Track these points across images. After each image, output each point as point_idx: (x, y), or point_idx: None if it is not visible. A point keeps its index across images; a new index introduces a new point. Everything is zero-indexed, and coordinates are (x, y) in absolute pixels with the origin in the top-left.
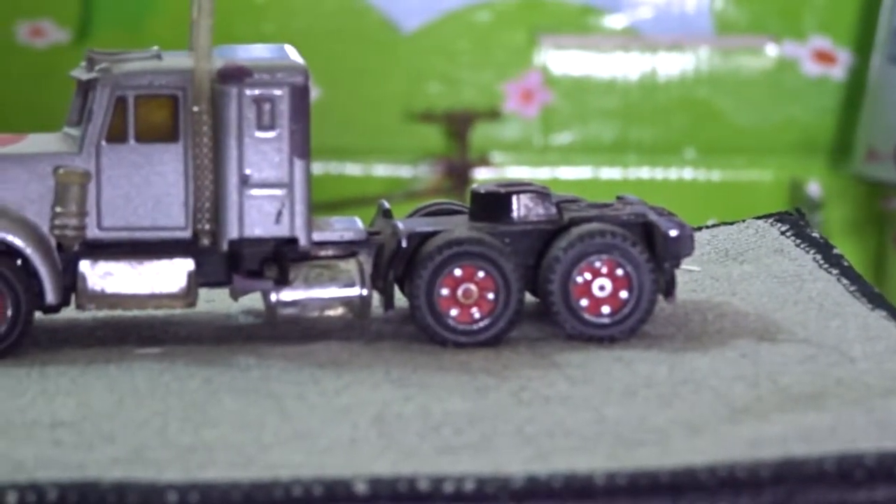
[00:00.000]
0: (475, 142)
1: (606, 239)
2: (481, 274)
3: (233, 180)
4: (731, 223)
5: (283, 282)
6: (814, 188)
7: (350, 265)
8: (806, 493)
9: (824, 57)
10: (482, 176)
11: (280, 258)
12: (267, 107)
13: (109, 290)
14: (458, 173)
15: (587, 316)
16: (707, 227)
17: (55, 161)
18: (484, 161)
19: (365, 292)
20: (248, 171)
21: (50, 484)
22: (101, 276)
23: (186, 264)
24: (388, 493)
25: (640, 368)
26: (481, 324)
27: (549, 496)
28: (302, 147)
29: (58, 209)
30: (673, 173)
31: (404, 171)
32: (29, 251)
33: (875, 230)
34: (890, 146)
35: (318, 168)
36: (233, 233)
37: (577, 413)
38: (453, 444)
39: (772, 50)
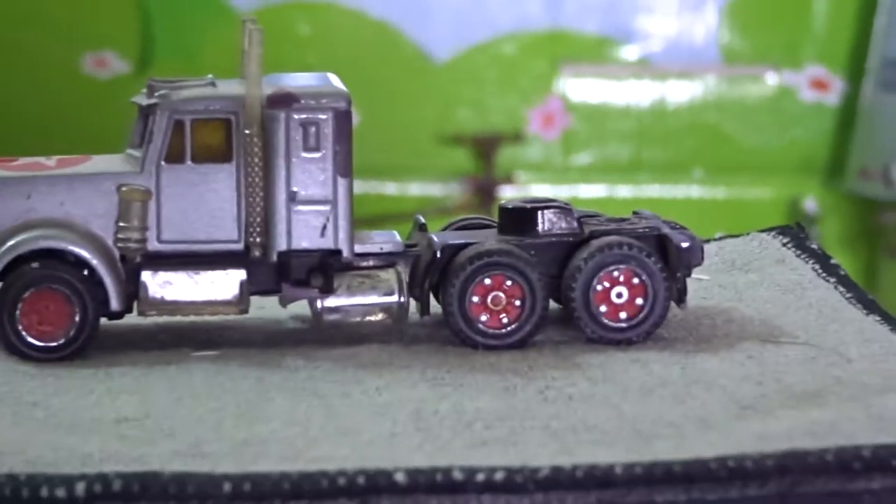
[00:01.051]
0: (501, 162)
1: (624, 250)
2: (509, 283)
3: (281, 197)
4: (737, 236)
5: (327, 290)
6: (810, 204)
7: (389, 275)
8: (808, 484)
9: (820, 84)
10: (508, 194)
11: (325, 268)
12: (312, 129)
13: (169, 297)
14: (485, 191)
15: (606, 321)
16: (715, 239)
17: (119, 180)
18: (509, 180)
19: (403, 300)
20: (295, 189)
21: (115, 475)
22: (160, 284)
23: (239, 274)
24: (426, 483)
25: (655, 369)
26: (509, 328)
27: (573, 486)
28: (344, 166)
29: (121, 224)
30: (682, 191)
31: (437, 189)
32: (95, 262)
33: (867, 243)
34: (880, 166)
35: (358, 186)
36: (281, 245)
37: (597, 410)
38: (484, 438)
39: (772, 78)
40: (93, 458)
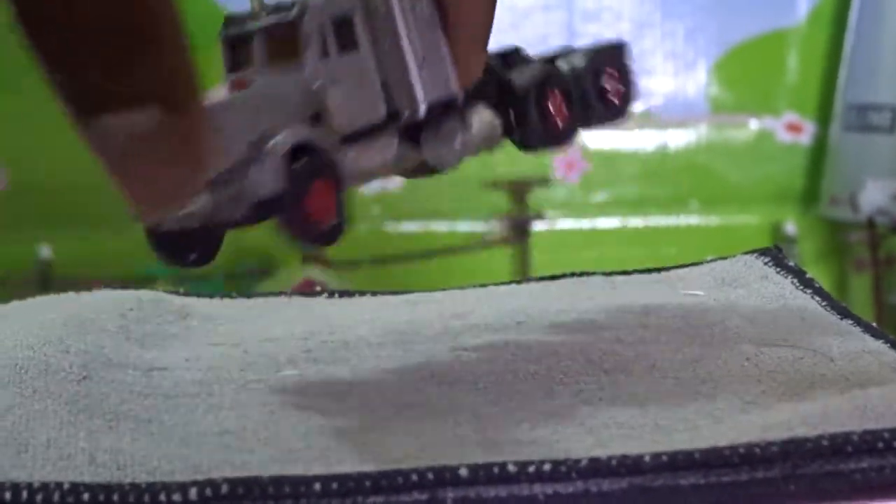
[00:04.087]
0: (532, 202)
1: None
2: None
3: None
4: (726, 258)
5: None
6: (790, 227)
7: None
8: (807, 466)
9: (794, 128)
10: (539, 228)
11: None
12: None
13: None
14: (520, 226)
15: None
16: (707, 261)
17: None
18: (539, 216)
19: (500, 120)
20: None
21: (222, 480)
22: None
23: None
24: (485, 476)
25: (671, 372)
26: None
27: (608, 473)
28: None
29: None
30: (682, 220)
31: (480, 226)
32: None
33: (838, 257)
34: (846, 193)
35: (416, 225)
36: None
37: (625, 409)
38: (532, 436)
39: (754, 124)
40: (202, 467)
